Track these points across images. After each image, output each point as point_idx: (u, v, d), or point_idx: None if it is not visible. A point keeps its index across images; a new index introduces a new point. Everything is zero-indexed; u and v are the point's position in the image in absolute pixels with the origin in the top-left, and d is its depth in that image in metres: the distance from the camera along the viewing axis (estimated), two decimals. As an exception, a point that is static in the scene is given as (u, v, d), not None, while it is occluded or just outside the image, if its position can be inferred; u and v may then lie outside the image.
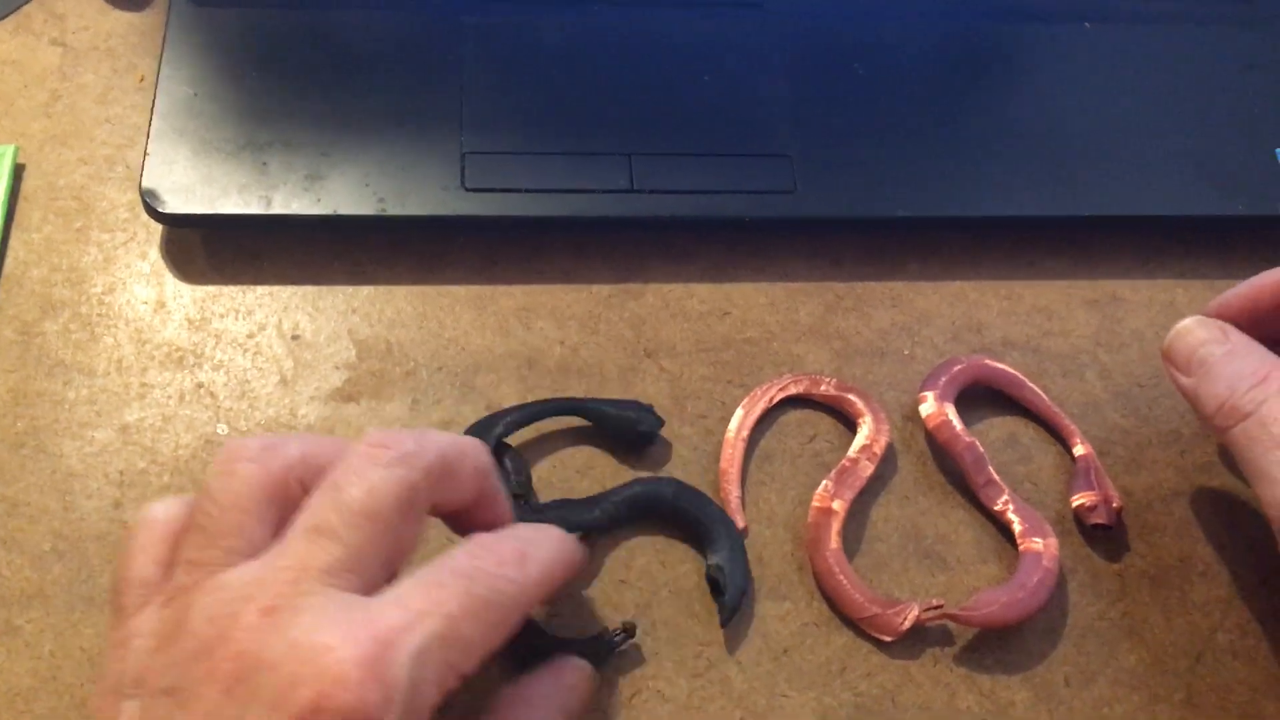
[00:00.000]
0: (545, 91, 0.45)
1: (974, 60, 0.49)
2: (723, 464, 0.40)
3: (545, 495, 0.39)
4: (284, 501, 0.29)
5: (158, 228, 0.43)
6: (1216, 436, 0.41)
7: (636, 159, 0.44)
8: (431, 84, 0.45)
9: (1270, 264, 0.48)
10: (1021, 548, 0.38)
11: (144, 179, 0.41)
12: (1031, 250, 0.46)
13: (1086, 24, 0.50)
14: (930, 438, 0.41)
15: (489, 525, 0.33)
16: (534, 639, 0.36)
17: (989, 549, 0.40)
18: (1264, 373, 0.35)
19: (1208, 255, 0.47)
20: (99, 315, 0.41)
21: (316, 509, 0.28)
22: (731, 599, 0.36)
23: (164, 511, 0.30)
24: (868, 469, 0.40)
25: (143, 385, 0.40)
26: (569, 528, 0.37)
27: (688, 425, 0.41)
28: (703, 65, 0.47)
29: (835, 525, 0.39)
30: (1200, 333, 0.38)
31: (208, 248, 0.43)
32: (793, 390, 0.42)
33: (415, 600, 0.27)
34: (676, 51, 0.47)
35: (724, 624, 0.37)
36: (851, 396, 0.41)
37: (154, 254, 0.43)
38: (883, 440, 0.40)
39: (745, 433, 0.41)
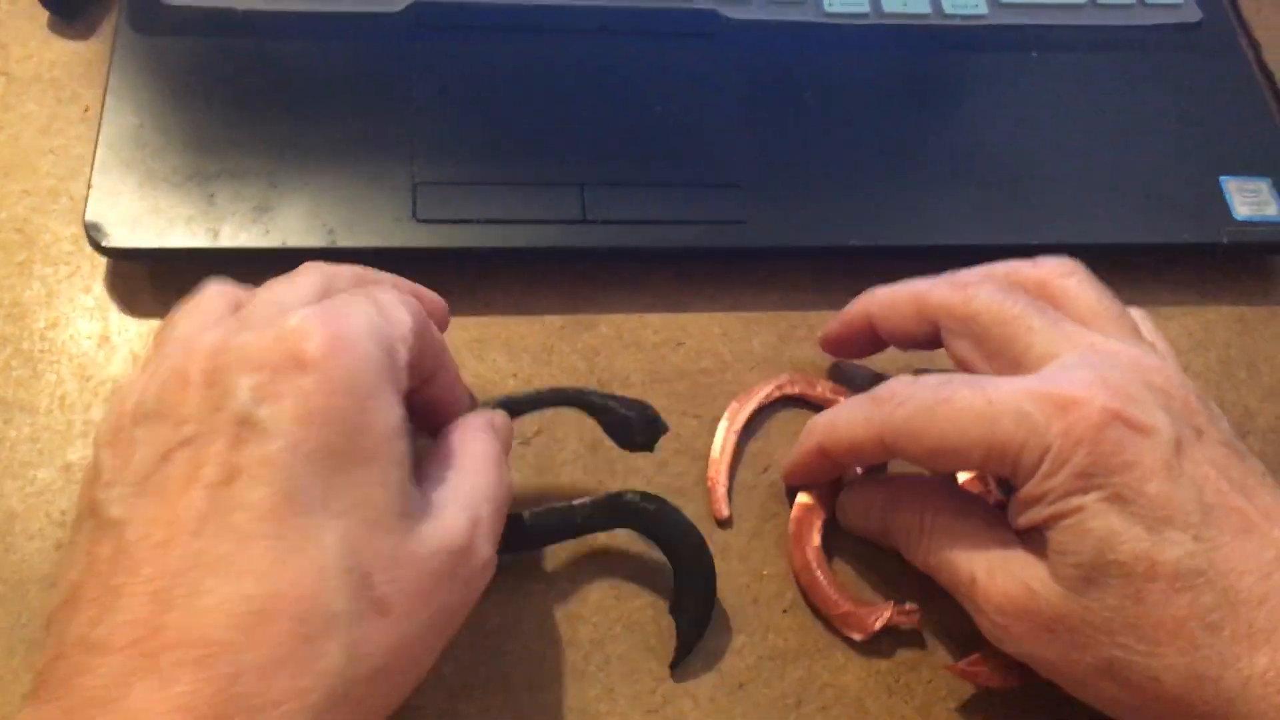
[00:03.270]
0: (497, 121, 0.45)
1: (923, 90, 0.49)
2: (714, 453, 0.41)
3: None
4: None
5: (102, 261, 0.43)
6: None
7: (588, 189, 0.44)
8: (381, 113, 0.44)
9: (1213, 290, 0.49)
10: None
11: (88, 211, 0.41)
12: (982, 278, 0.47)
13: (1034, 53, 0.50)
14: None
15: (449, 403, 0.35)
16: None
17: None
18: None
19: (1154, 283, 0.48)
20: (41, 351, 0.41)
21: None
22: (685, 641, 0.36)
23: (219, 286, 0.33)
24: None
25: (86, 423, 0.39)
26: (553, 533, 0.37)
27: (640, 457, 0.41)
28: (655, 95, 0.47)
29: (818, 523, 0.39)
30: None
31: (154, 281, 0.43)
32: (789, 390, 0.42)
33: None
34: (628, 81, 0.47)
35: (673, 665, 0.37)
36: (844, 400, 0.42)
37: (99, 288, 0.42)
38: None
39: (738, 427, 0.41)
